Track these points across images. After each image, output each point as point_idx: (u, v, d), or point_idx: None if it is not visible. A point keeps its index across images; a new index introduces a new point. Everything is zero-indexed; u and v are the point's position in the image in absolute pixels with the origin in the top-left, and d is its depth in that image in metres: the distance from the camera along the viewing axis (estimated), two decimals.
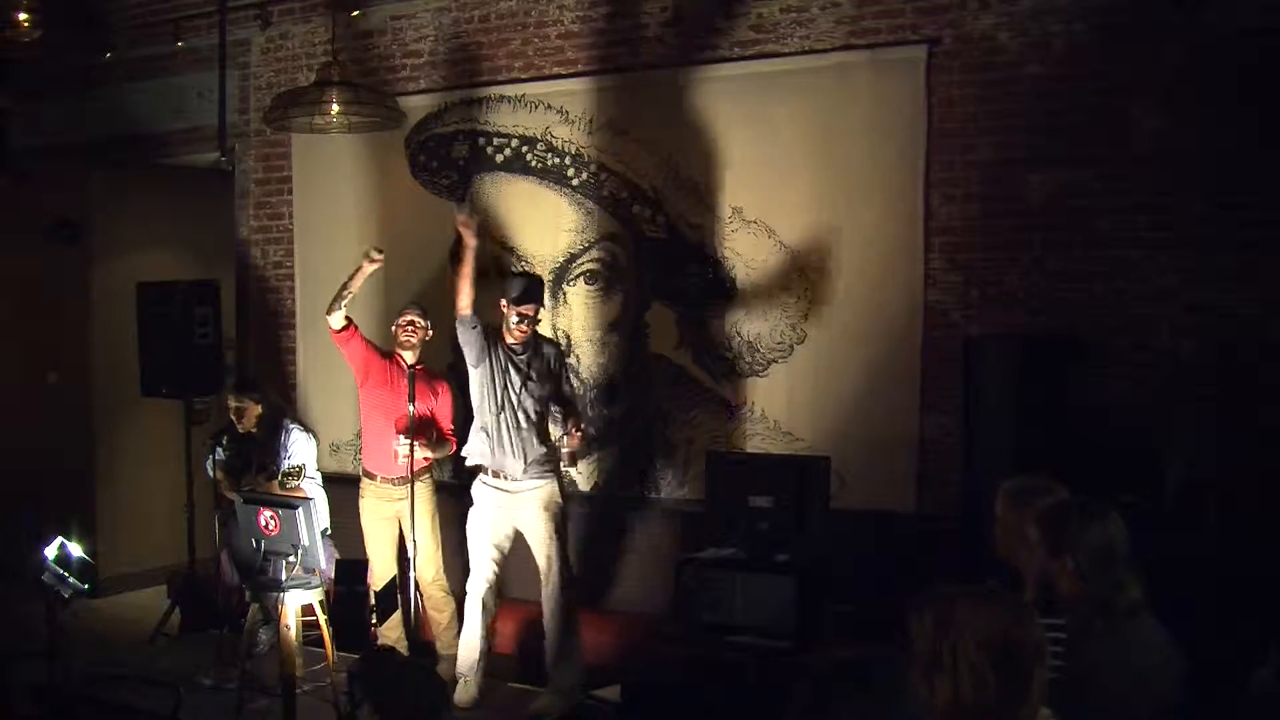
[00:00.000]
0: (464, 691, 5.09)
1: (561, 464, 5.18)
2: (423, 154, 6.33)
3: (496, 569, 5.16)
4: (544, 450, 5.09)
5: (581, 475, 5.84)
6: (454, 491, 5.73)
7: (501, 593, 5.34)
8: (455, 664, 5.19)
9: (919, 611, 2.11)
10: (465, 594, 5.20)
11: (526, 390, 5.05)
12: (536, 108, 5.96)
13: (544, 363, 5.12)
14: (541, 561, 5.07)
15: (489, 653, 5.20)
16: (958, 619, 2.05)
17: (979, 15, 4.95)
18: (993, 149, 4.95)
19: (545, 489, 5.06)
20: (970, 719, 2.02)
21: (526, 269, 5.88)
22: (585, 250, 5.87)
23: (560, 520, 5.08)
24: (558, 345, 5.38)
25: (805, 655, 4.46)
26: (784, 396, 5.40)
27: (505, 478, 5.08)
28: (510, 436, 5.05)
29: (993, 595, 2.14)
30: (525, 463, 5.04)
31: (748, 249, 5.44)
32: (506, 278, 5.40)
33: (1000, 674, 2.00)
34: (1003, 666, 2.00)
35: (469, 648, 5.15)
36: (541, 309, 5.18)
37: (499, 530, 5.13)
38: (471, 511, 5.18)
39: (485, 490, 5.14)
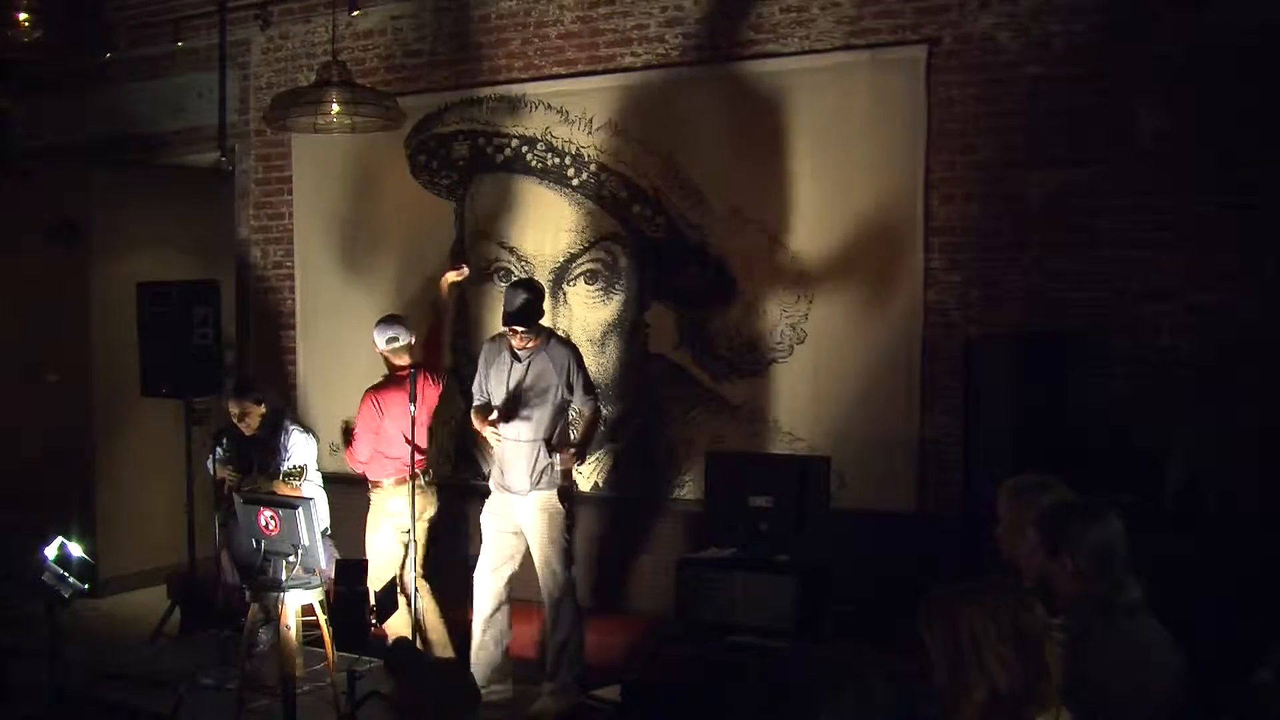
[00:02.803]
0: None
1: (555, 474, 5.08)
2: (423, 154, 6.33)
3: (505, 570, 5.14)
4: (550, 461, 5.03)
5: (581, 475, 5.83)
6: (455, 491, 5.74)
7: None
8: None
9: (925, 625, 2.15)
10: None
11: (523, 397, 5.04)
12: (536, 108, 5.96)
13: (548, 368, 5.04)
14: (539, 564, 5.07)
15: (502, 655, 5.18)
16: (967, 619, 2.12)
17: (979, 15, 4.95)
18: (993, 149, 4.95)
19: (548, 494, 5.04)
20: (1007, 707, 2.08)
21: (528, 274, 5.89)
22: (585, 250, 5.87)
23: (560, 524, 5.05)
24: (572, 347, 5.20)
25: (798, 653, 4.47)
26: (784, 396, 5.40)
27: (511, 490, 5.08)
28: (514, 449, 5.05)
29: (984, 588, 2.20)
30: (530, 475, 5.02)
31: (748, 249, 5.44)
32: (507, 289, 5.20)
33: (1023, 657, 2.10)
34: (1022, 649, 2.10)
35: (479, 650, 5.17)
36: (534, 324, 4.98)
37: (504, 530, 5.14)
38: (484, 509, 5.22)
39: (494, 491, 5.17)
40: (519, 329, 4.93)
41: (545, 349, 5.06)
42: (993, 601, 2.13)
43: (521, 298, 4.94)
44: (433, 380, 5.47)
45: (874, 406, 5.17)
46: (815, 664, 1.99)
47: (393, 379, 5.43)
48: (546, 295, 5.28)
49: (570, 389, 5.04)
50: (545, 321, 5.70)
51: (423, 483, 5.37)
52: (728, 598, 4.61)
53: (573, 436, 5.24)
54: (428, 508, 5.43)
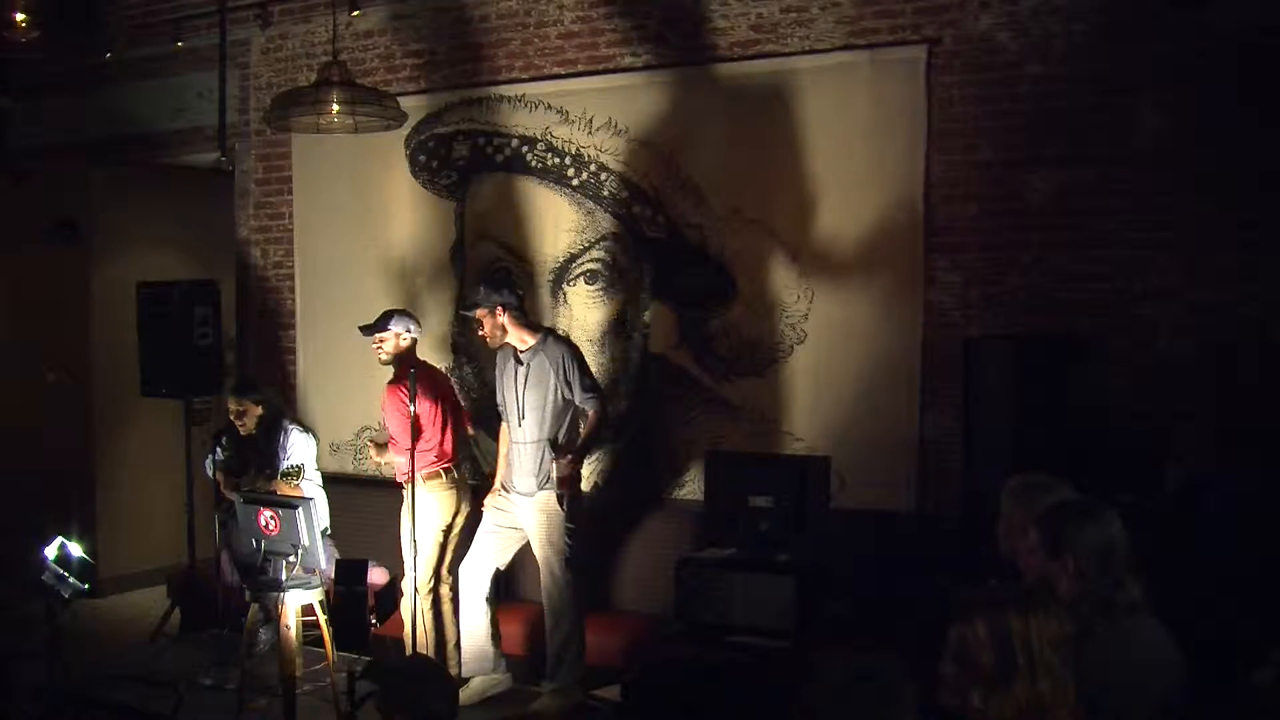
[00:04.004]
0: (465, 689, 5.10)
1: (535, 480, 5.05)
2: (423, 154, 6.33)
3: (494, 565, 5.16)
4: (552, 461, 5.02)
5: (581, 475, 5.82)
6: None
7: (501, 591, 5.34)
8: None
9: (969, 621, 2.19)
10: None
11: (526, 400, 5.06)
12: (536, 108, 5.96)
13: (544, 367, 5.04)
14: (540, 564, 5.08)
15: (489, 645, 5.19)
16: (1019, 623, 2.17)
17: (979, 15, 4.95)
18: (993, 149, 4.95)
19: (549, 495, 5.02)
20: (1040, 711, 2.14)
21: (527, 274, 5.90)
22: (585, 250, 5.87)
23: (560, 526, 5.03)
24: (569, 345, 5.19)
25: (808, 655, 4.47)
26: (784, 396, 5.40)
27: (516, 490, 5.11)
28: (519, 450, 5.08)
29: (1032, 596, 2.27)
30: (535, 475, 5.03)
31: (748, 249, 5.44)
32: None
33: (1064, 666, 2.18)
34: (1065, 659, 2.18)
35: (465, 641, 5.18)
36: (482, 310, 5.02)
37: (501, 526, 5.15)
38: (486, 502, 5.25)
39: (499, 488, 5.22)
40: (476, 315, 5.04)
41: (542, 349, 5.06)
42: (1043, 612, 2.20)
43: (471, 291, 5.18)
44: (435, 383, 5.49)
45: (874, 406, 5.17)
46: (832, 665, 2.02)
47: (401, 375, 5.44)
48: (514, 282, 5.45)
49: (569, 387, 5.03)
50: (545, 321, 5.73)
51: (449, 481, 5.37)
52: (728, 598, 4.61)
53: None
54: (462, 507, 5.42)
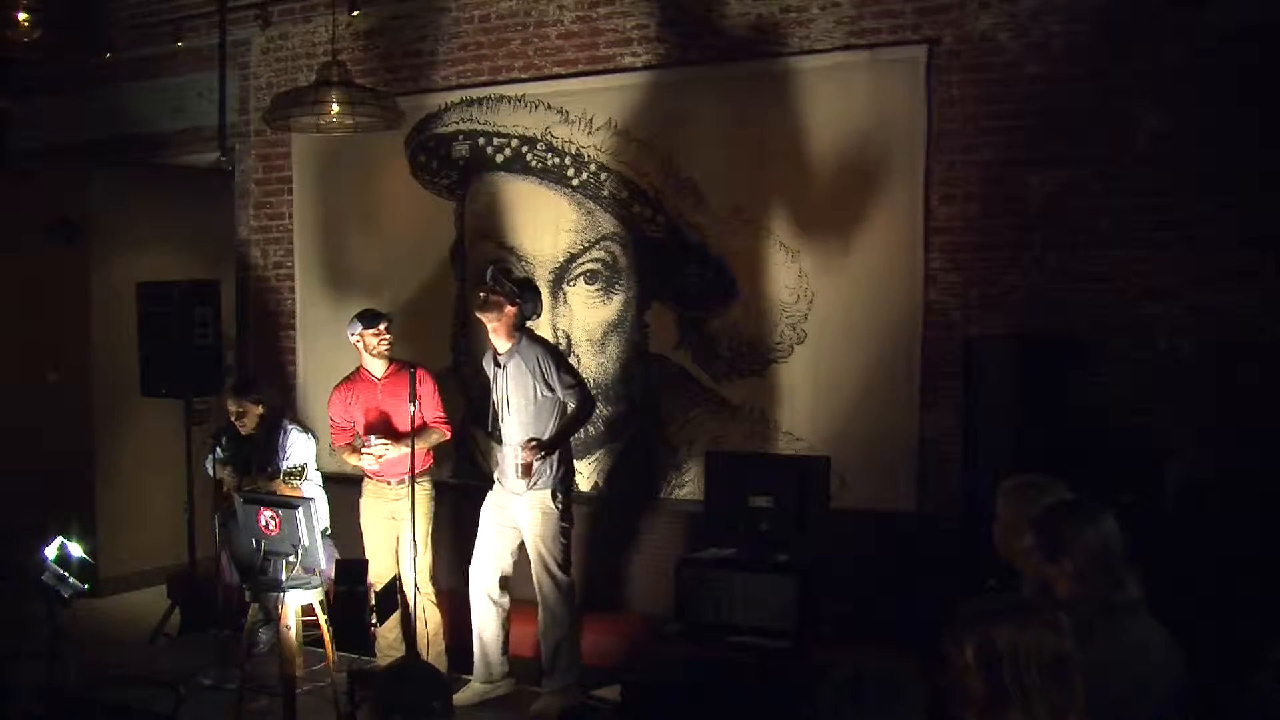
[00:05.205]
0: (465, 690, 5.10)
1: (515, 474, 5.00)
2: (423, 154, 6.33)
3: (499, 563, 5.16)
4: (545, 461, 5.01)
5: (581, 475, 5.83)
6: (455, 491, 5.74)
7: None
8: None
9: (957, 644, 2.12)
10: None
11: (509, 401, 5.07)
12: (536, 108, 5.96)
13: (521, 369, 5.03)
14: (534, 562, 5.08)
15: (498, 651, 5.19)
16: (1008, 647, 2.08)
17: (979, 15, 4.95)
18: (993, 149, 4.95)
19: (543, 493, 5.04)
20: None
21: (528, 275, 5.91)
22: (585, 250, 5.87)
23: (555, 523, 5.04)
24: (543, 344, 5.18)
25: (808, 656, 4.47)
26: (784, 396, 5.40)
27: (509, 490, 5.11)
28: (509, 452, 5.07)
29: (1028, 611, 2.17)
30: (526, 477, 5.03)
31: (748, 249, 5.44)
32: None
33: (1059, 689, 2.08)
34: (1060, 681, 2.08)
35: (477, 643, 5.18)
36: (501, 292, 4.99)
37: (501, 525, 5.15)
38: (484, 502, 5.24)
39: (495, 486, 5.22)
40: (493, 286, 5.00)
41: (518, 350, 5.06)
42: (1034, 631, 2.10)
43: (506, 272, 5.18)
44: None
45: (874, 406, 5.17)
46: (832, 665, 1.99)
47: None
48: (541, 290, 5.40)
49: (549, 386, 5.02)
50: (545, 320, 5.73)
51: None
52: (728, 598, 4.62)
53: None
54: (425, 509, 5.45)
